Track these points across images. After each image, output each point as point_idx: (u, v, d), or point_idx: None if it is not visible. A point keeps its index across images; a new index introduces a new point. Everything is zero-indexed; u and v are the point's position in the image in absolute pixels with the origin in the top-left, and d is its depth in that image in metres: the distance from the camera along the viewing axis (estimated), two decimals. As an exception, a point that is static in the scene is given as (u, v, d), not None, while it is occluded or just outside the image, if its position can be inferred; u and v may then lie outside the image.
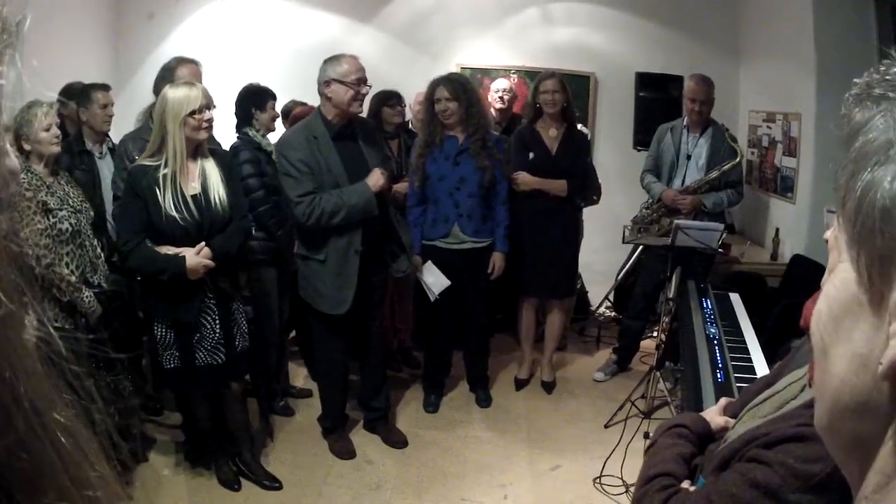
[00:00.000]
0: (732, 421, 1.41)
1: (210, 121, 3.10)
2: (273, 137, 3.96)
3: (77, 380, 0.30)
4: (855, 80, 0.51)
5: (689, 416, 1.53)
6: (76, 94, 3.87)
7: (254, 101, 4.01)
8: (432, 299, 4.16)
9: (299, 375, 4.71)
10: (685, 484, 1.30)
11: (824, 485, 1.02)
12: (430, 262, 4.13)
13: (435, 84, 4.07)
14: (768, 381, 1.41)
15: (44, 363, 0.29)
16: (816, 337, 0.54)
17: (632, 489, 3.44)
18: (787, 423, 1.11)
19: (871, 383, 0.47)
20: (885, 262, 0.45)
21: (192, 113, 3.01)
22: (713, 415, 1.52)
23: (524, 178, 4.34)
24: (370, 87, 3.62)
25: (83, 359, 0.31)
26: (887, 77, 0.49)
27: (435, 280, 4.12)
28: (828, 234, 0.55)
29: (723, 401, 1.59)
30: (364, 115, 4.06)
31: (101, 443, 0.31)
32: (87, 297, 3.01)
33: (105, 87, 4.04)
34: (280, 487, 3.49)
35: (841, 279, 0.51)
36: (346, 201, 3.47)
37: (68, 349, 0.30)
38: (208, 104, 3.08)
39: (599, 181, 4.94)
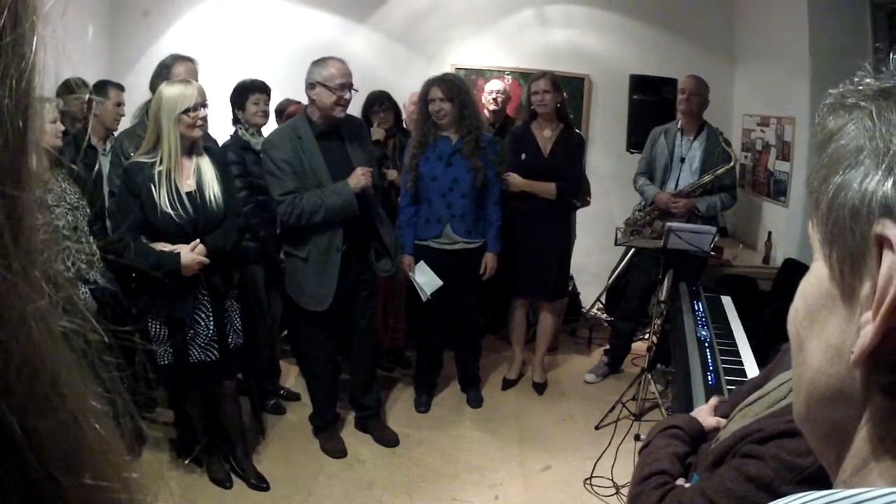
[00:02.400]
0: (724, 421, 1.44)
1: (205, 119, 3.12)
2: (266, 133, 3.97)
3: (106, 370, 0.32)
4: (829, 90, 0.54)
5: (682, 417, 1.56)
6: (94, 89, 3.92)
7: (234, 100, 4.06)
8: (424, 299, 4.16)
9: (291, 374, 4.71)
10: (680, 481, 1.33)
11: (815, 477, 1.04)
12: (422, 262, 4.13)
13: (429, 84, 4.07)
14: (758, 384, 1.43)
15: (75, 353, 0.30)
16: (793, 332, 0.56)
17: (622, 490, 3.47)
18: (779, 420, 1.14)
19: (845, 372, 0.50)
20: (855, 258, 0.48)
21: (187, 111, 3.01)
22: (704, 415, 1.54)
23: (514, 180, 4.34)
24: (356, 90, 3.61)
25: (112, 351, 0.32)
26: (860, 88, 0.51)
27: (427, 280, 4.12)
28: None
29: (713, 399, 1.61)
30: (357, 115, 4.07)
31: (122, 433, 0.33)
32: (82, 293, 3.01)
33: (120, 87, 4.14)
34: (267, 489, 3.47)
35: (815, 276, 0.53)
36: (326, 201, 3.47)
37: (100, 341, 0.31)
38: (203, 102, 3.09)
39: (589, 183, 4.95)
